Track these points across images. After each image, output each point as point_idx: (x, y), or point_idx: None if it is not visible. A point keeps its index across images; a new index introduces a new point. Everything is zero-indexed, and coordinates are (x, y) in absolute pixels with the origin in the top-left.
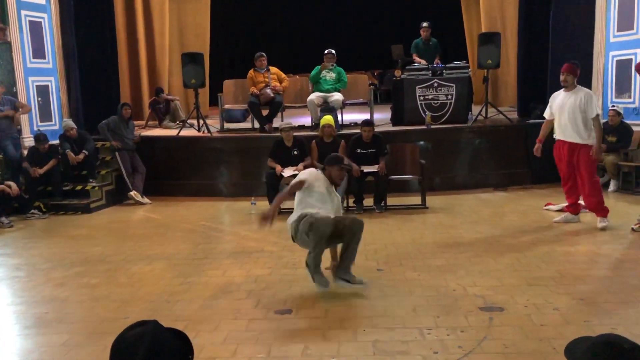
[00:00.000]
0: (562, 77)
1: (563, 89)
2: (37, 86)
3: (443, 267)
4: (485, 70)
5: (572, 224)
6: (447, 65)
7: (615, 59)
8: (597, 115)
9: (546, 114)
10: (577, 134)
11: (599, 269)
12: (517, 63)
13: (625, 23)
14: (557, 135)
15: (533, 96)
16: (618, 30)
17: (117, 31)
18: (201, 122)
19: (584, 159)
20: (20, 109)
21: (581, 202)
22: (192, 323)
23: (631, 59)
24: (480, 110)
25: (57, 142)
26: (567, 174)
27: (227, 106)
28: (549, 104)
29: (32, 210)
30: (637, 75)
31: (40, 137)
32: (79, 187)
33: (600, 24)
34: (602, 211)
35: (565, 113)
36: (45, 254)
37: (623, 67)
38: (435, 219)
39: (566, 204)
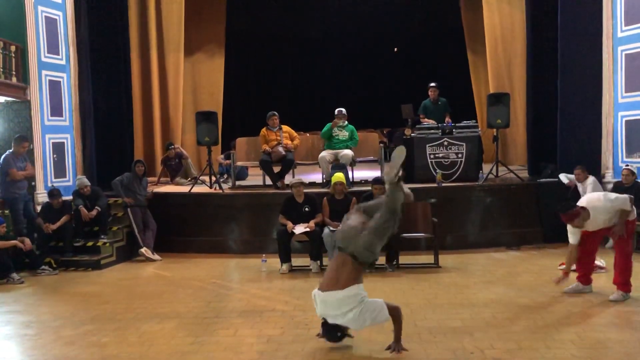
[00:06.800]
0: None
1: None
2: (53, 143)
3: (459, 328)
4: (495, 130)
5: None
6: (456, 125)
7: (624, 119)
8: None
9: (572, 240)
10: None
11: (618, 332)
12: (526, 123)
13: (633, 84)
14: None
15: (543, 155)
16: (626, 91)
17: (133, 90)
18: (213, 178)
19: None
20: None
21: (597, 262)
22: None
23: None
24: (491, 169)
25: (70, 197)
26: (586, 247)
27: (239, 163)
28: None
29: (43, 267)
30: None
31: (54, 193)
32: (90, 244)
33: (608, 85)
34: (624, 286)
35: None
36: (55, 311)
37: (632, 127)
38: (449, 279)
39: None
